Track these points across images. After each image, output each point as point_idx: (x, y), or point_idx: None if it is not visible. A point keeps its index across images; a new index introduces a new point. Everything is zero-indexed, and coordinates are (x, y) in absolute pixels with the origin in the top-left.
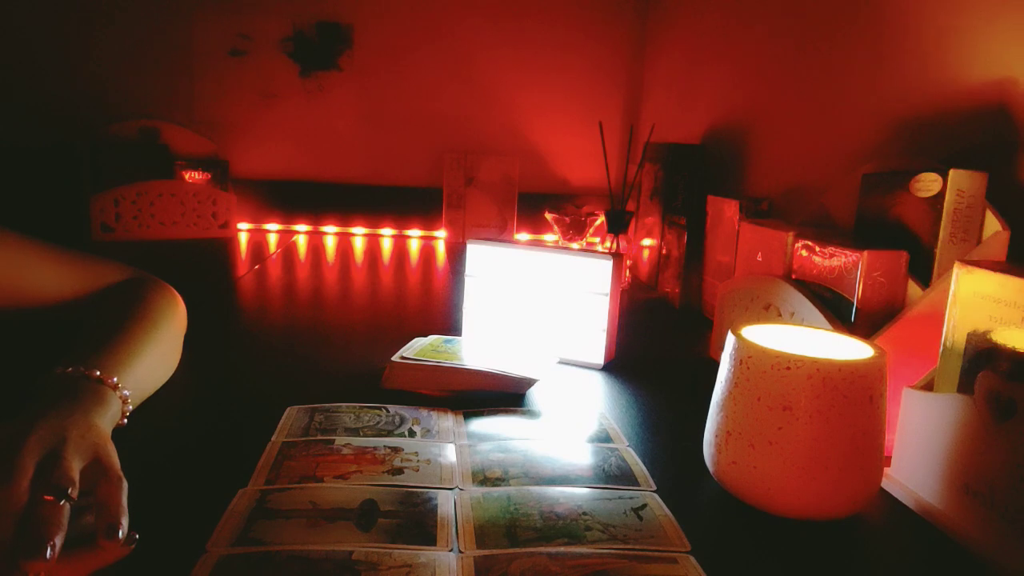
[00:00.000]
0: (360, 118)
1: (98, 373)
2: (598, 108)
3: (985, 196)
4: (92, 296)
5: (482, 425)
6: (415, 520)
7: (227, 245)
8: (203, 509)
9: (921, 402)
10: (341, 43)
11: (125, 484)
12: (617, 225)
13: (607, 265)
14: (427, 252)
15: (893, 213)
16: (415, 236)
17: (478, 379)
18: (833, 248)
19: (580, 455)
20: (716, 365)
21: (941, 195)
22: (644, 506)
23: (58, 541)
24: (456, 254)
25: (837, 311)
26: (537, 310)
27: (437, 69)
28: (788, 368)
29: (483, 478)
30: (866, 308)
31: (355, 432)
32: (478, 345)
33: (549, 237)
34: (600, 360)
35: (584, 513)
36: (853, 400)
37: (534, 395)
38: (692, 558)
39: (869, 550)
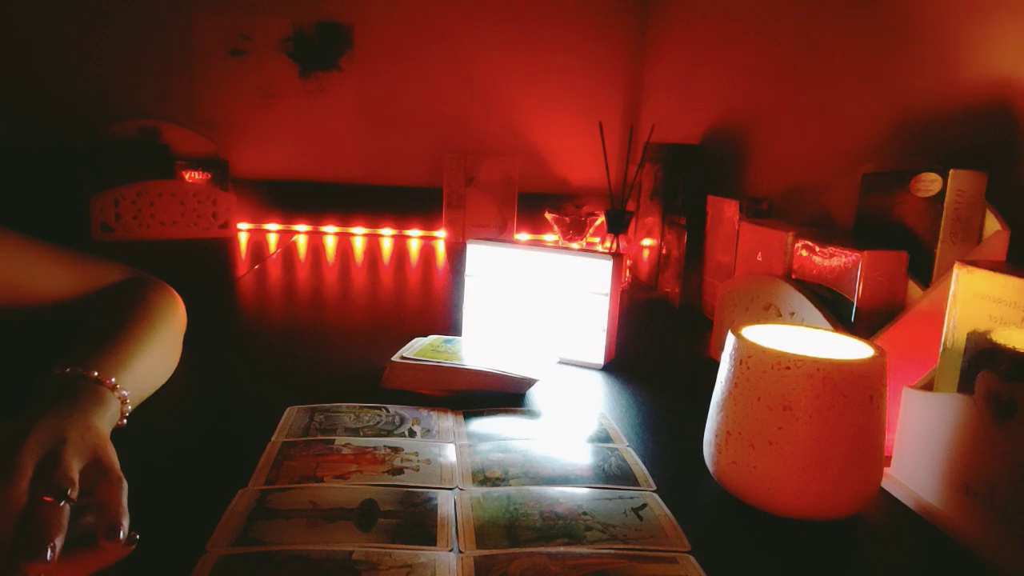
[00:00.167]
0: (360, 118)
1: (96, 374)
2: (598, 108)
3: (985, 196)
4: (91, 296)
5: (482, 425)
6: (415, 520)
7: (227, 245)
8: (203, 509)
9: (921, 402)
10: (341, 43)
11: (125, 484)
12: (617, 225)
13: (607, 265)
14: (427, 252)
15: (893, 213)
16: (415, 236)
17: (478, 379)
18: (833, 248)
19: (580, 455)
20: (716, 365)
21: (941, 195)
22: (644, 506)
23: (58, 542)
24: (456, 254)
25: (837, 311)
26: (537, 310)
27: (437, 69)
28: (788, 368)
29: (483, 478)
30: (866, 308)
31: (355, 432)
32: (478, 345)
33: (549, 237)
34: (600, 360)
35: (584, 513)
36: (853, 400)
37: (534, 395)
38: (692, 558)
39: (869, 550)
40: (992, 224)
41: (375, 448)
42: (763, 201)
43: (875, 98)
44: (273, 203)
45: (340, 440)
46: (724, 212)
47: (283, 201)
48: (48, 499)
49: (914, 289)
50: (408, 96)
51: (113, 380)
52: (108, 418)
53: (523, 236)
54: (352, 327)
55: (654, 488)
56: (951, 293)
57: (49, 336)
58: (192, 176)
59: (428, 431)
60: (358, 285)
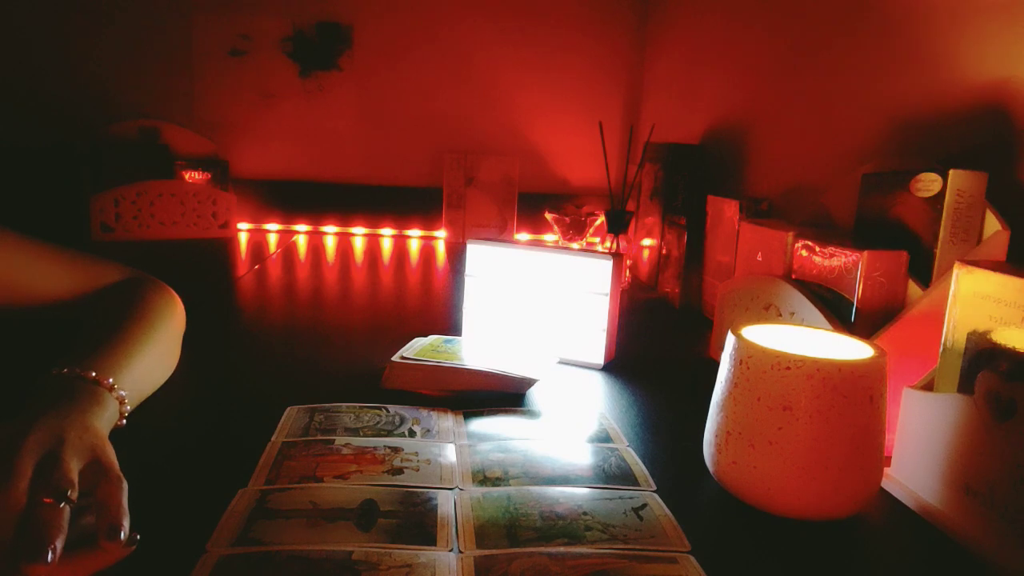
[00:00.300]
0: (360, 118)
1: (94, 374)
2: (598, 108)
3: (985, 196)
4: (90, 296)
5: (482, 425)
6: (415, 520)
7: (227, 245)
8: (203, 509)
9: (921, 402)
10: (341, 43)
11: (125, 484)
12: (617, 225)
13: (607, 265)
14: (427, 252)
15: (893, 213)
16: (415, 236)
17: (478, 379)
18: (833, 248)
19: (580, 455)
20: (716, 365)
21: (941, 195)
22: (644, 506)
23: (59, 544)
24: (456, 254)
25: (837, 311)
26: (537, 310)
27: (437, 69)
28: (788, 368)
29: (483, 478)
30: (866, 308)
31: (355, 432)
32: (478, 345)
33: (549, 237)
34: (600, 360)
35: (584, 513)
36: (853, 400)
37: (534, 395)
38: (692, 558)
39: (869, 550)
40: (992, 224)
41: (375, 448)
42: (763, 201)
43: (875, 98)
44: (273, 203)
45: (340, 440)
46: (724, 212)
47: (283, 201)
48: (48, 500)
49: (914, 289)
50: (408, 96)
51: (111, 380)
52: (106, 418)
53: (523, 236)
54: (352, 327)
55: (654, 488)
56: (951, 293)
57: (49, 336)
58: (192, 176)
59: (428, 431)
60: (358, 285)
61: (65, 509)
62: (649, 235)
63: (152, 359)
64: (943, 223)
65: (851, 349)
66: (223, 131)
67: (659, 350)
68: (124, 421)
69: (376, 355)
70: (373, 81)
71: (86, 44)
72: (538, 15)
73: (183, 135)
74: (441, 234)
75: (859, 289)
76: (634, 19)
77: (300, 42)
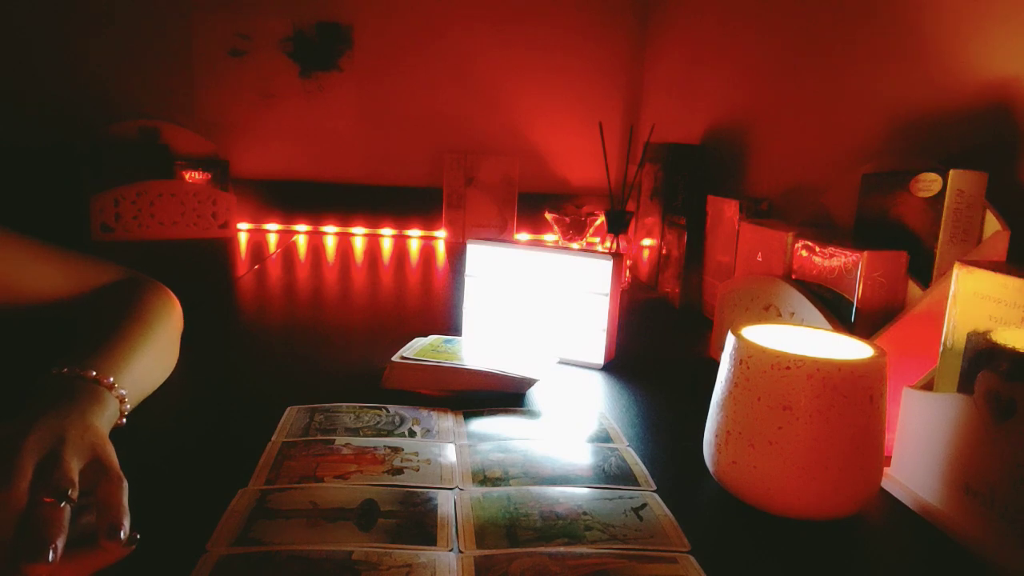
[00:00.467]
0: (360, 118)
1: (94, 373)
2: (598, 108)
3: (985, 196)
4: (87, 296)
5: (482, 425)
6: (415, 520)
7: (227, 245)
8: (203, 509)
9: (921, 402)
10: (341, 43)
11: (125, 484)
12: (617, 225)
13: (607, 265)
14: (427, 252)
15: (893, 213)
16: (415, 236)
17: (478, 379)
18: (833, 248)
19: (580, 455)
20: (716, 365)
21: (941, 195)
22: (644, 506)
23: (60, 543)
24: (456, 254)
25: (837, 311)
26: (537, 310)
27: (437, 69)
28: (788, 368)
29: (483, 478)
30: (866, 308)
31: (355, 432)
32: (478, 345)
33: (549, 237)
34: (600, 360)
35: (584, 513)
36: (853, 400)
37: (534, 395)
38: (692, 558)
39: (869, 550)
40: (992, 224)
41: (375, 448)
42: (763, 201)
43: (875, 98)
44: (273, 203)
45: (340, 440)
46: (724, 212)
47: (283, 201)
48: (48, 500)
49: (914, 289)
50: (408, 96)
51: (111, 379)
52: (107, 417)
53: (523, 236)
54: (352, 327)
55: (654, 488)
56: (951, 293)
57: (48, 336)
58: (192, 176)
59: (428, 431)
60: (358, 285)
61: (66, 508)
62: (649, 235)
63: (151, 358)
64: (943, 223)
65: (851, 349)
66: (223, 131)
67: (659, 350)
68: (124, 420)
69: (376, 355)
70: (373, 81)
71: (86, 44)
72: (538, 15)
73: (183, 135)
74: (441, 234)
75: (859, 289)
76: (634, 20)
77: (300, 42)
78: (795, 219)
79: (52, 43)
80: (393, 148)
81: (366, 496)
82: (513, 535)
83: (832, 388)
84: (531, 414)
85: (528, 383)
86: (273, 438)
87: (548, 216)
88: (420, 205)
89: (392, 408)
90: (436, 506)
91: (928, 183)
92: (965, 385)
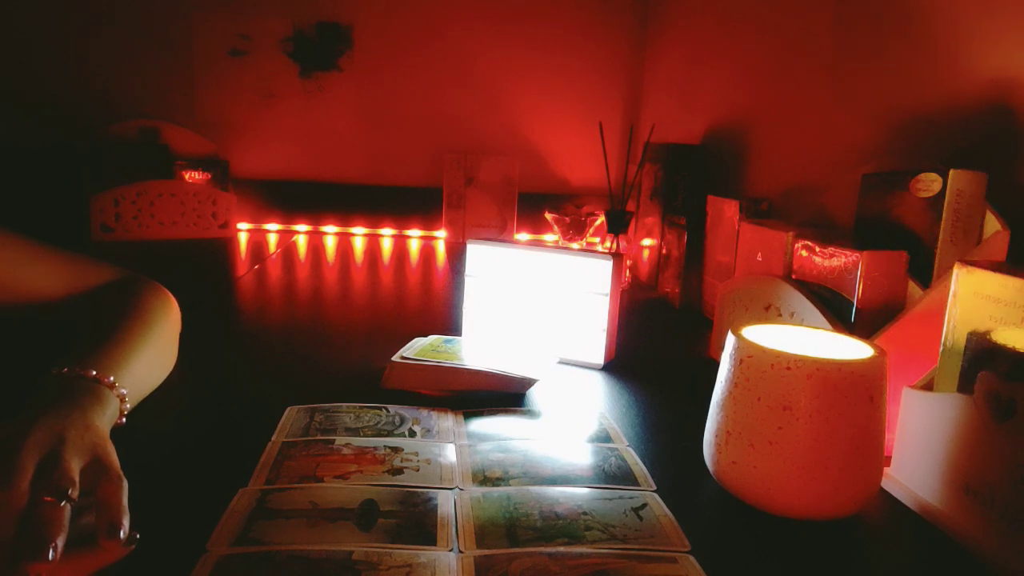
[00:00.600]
0: (360, 118)
1: (94, 373)
2: (598, 108)
3: (985, 196)
4: (84, 296)
5: (482, 425)
6: (415, 520)
7: (227, 245)
8: (203, 509)
9: (921, 402)
10: (341, 43)
11: (125, 484)
12: (617, 225)
13: (607, 265)
14: (427, 252)
15: (893, 213)
16: (415, 236)
17: (478, 379)
18: (833, 248)
19: (580, 455)
20: (716, 365)
21: (941, 195)
22: (644, 506)
23: (60, 542)
24: (456, 254)
25: (837, 311)
26: (537, 310)
27: (437, 69)
28: (788, 368)
29: (483, 478)
30: (866, 308)
31: (355, 432)
32: (478, 345)
33: (549, 237)
34: (600, 360)
35: (584, 513)
36: (853, 400)
37: (534, 395)
38: (692, 558)
39: (869, 550)
40: (992, 224)
41: (375, 448)
42: (763, 201)
43: (875, 98)
44: (273, 203)
45: (340, 440)
46: (724, 212)
47: (283, 201)
48: (49, 499)
49: (914, 289)
50: (408, 96)
51: (112, 379)
52: (107, 417)
53: (523, 236)
54: (352, 327)
55: (654, 488)
56: (951, 293)
57: (47, 336)
58: (192, 176)
59: (428, 431)
60: (358, 285)
61: (66, 507)
62: (649, 235)
63: (151, 357)
64: (943, 223)
65: (851, 349)
66: (223, 131)
67: (659, 350)
68: (124, 419)
69: (376, 355)
70: (373, 81)
71: (86, 44)
72: (538, 15)
73: (183, 135)
74: (441, 234)
75: (859, 289)
76: (634, 20)
77: (300, 42)
78: (795, 219)
79: (52, 43)
80: (393, 148)
81: (366, 496)
82: (513, 535)
83: (832, 388)
84: (531, 414)
85: (528, 383)
86: (273, 438)
87: (548, 216)
88: (420, 205)
89: (392, 408)
90: (436, 506)
91: (928, 183)
92: (965, 385)
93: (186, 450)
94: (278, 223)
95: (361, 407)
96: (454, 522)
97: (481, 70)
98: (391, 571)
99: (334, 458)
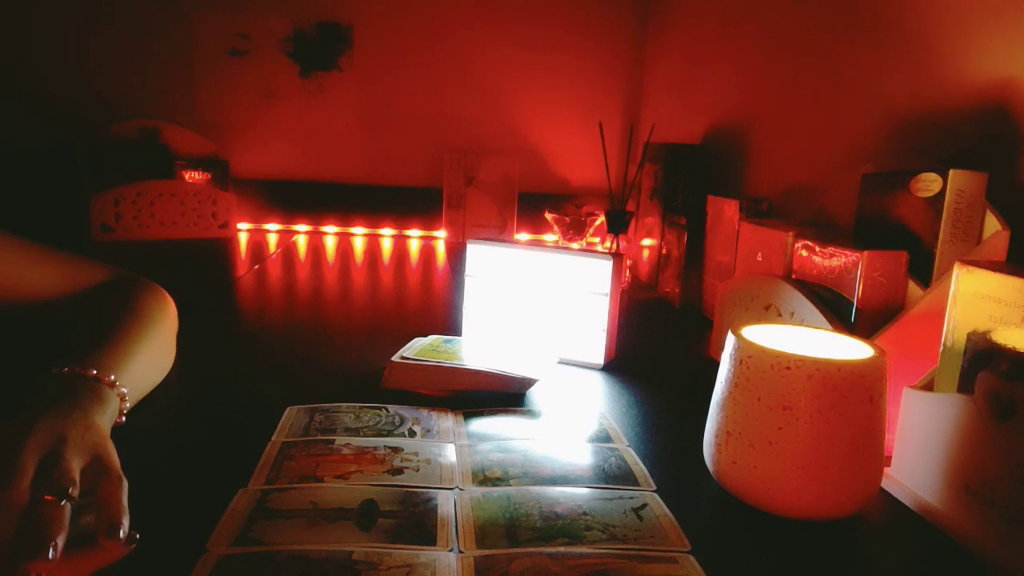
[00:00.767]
0: (360, 118)
1: (95, 372)
2: (598, 108)
3: (985, 196)
4: (80, 295)
5: (482, 425)
6: (415, 520)
7: (227, 245)
8: (203, 509)
9: (921, 402)
10: (341, 43)
11: (125, 483)
12: (617, 225)
13: (607, 265)
14: (427, 252)
15: (893, 213)
16: (415, 236)
17: (478, 379)
18: (833, 248)
19: (580, 455)
20: (716, 365)
21: (941, 195)
22: (644, 506)
23: (60, 541)
24: (456, 254)
25: (837, 311)
26: (537, 310)
27: (437, 69)
28: (788, 368)
29: (483, 478)
30: (866, 308)
31: (355, 432)
32: (478, 345)
33: (549, 237)
34: (600, 360)
35: (584, 513)
36: (853, 400)
37: (534, 395)
38: (692, 558)
39: (869, 550)
40: (992, 224)
41: (375, 448)
42: (763, 201)
43: (875, 98)
44: (273, 203)
45: (340, 440)
46: (724, 212)
47: (283, 201)
48: (49, 498)
49: (914, 289)
50: (408, 96)
51: (112, 378)
52: (108, 416)
53: (523, 236)
54: (352, 327)
55: (654, 488)
56: (951, 293)
57: (47, 336)
58: (192, 176)
59: (428, 431)
60: (358, 285)
61: (66, 507)
62: (649, 235)
63: (150, 356)
64: (943, 223)
65: (851, 349)
66: (223, 131)
67: (659, 350)
68: (124, 419)
69: (376, 355)
70: (373, 81)
71: (86, 44)
72: (538, 15)
73: (183, 135)
74: (441, 234)
75: (859, 289)
76: (634, 19)
77: (300, 42)
78: (795, 219)
79: (52, 43)
80: (393, 148)
81: (366, 496)
82: (513, 535)
83: (832, 388)
84: (531, 414)
85: (528, 383)
86: (273, 438)
87: (548, 216)
88: (420, 205)
89: (392, 408)
90: (436, 506)
91: (928, 183)
92: (965, 385)
93: (186, 450)
94: (278, 223)
95: (361, 407)
96: (454, 522)
97: (481, 70)
98: (391, 571)
99: (334, 458)
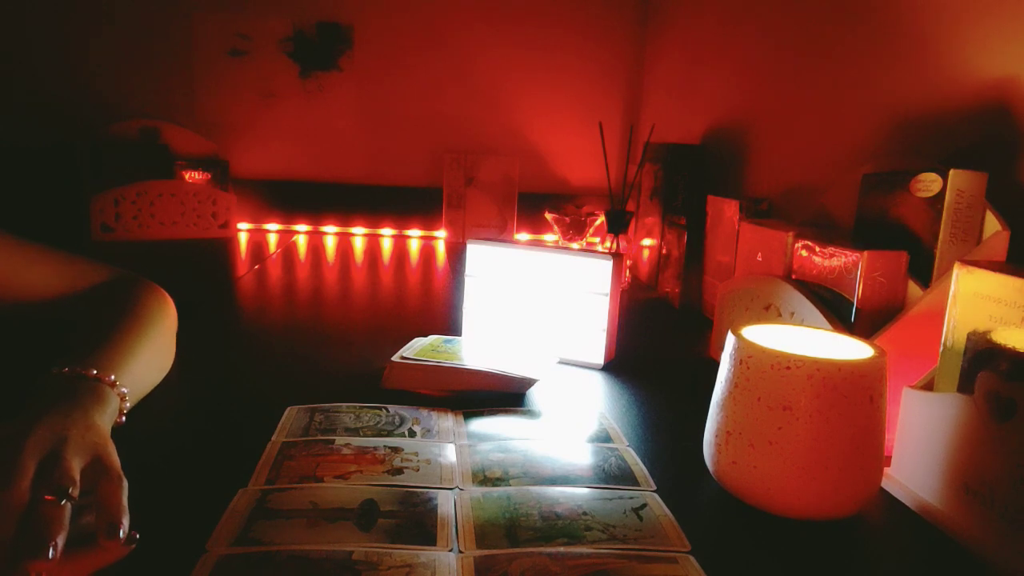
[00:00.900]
0: (360, 118)
1: (95, 372)
2: (598, 108)
3: (985, 196)
4: (81, 295)
5: (482, 425)
6: (415, 520)
7: (227, 245)
8: (203, 509)
9: (921, 402)
10: (341, 43)
11: (125, 483)
12: (617, 225)
13: (607, 265)
14: (427, 252)
15: (893, 213)
16: (415, 236)
17: (478, 379)
18: (833, 248)
19: (580, 455)
20: (716, 365)
21: (941, 195)
22: (644, 506)
23: (60, 541)
24: (456, 254)
25: (837, 311)
26: (537, 310)
27: (437, 69)
28: (788, 368)
29: (483, 478)
30: (866, 308)
31: (355, 432)
32: (478, 345)
33: (549, 237)
34: (600, 360)
35: (584, 513)
36: (853, 400)
37: (534, 395)
38: (692, 558)
39: (869, 550)
40: (992, 224)
41: (375, 448)
42: (763, 201)
43: (875, 98)
44: (273, 203)
45: (340, 440)
46: (724, 212)
47: (283, 201)
48: (49, 498)
49: (914, 289)
50: (408, 96)
51: (112, 377)
52: (108, 416)
53: (523, 236)
54: (352, 327)
55: (654, 488)
56: (951, 293)
57: (46, 336)
58: (192, 176)
59: (428, 431)
60: (358, 285)
61: (66, 506)
62: (649, 235)
63: (150, 356)
64: (943, 223)
65: (851, 349)
66: (223, 131)
67: (659, 350)
68: (124, 418)
69: (376, 355)
70: (373, 81)
71: (86, 44)
72: (538, 15)
73: (183, 135)
74: (441, 234)
75: (859, 289)
76: (634, 19)
77: (300, 42)
78: (795, 219)
79: (52, 43)
80: (393, 148)
81: (366, 496)
82: (513, 535)
83: (832, 388)
84: (531, 414)
85: (528, 383)
86: (273, 438)
87: (548, 216)
88: (420, 205)
89: (392, 408)
90: (436, 506)
91: (928, 183)
92: (965, 385)
93: (186, 450)
94: (278, 223)
95: (361, 407)
96: (454, 522)
97: (481, 70)
98: (391, 571)
99: (334, 458)
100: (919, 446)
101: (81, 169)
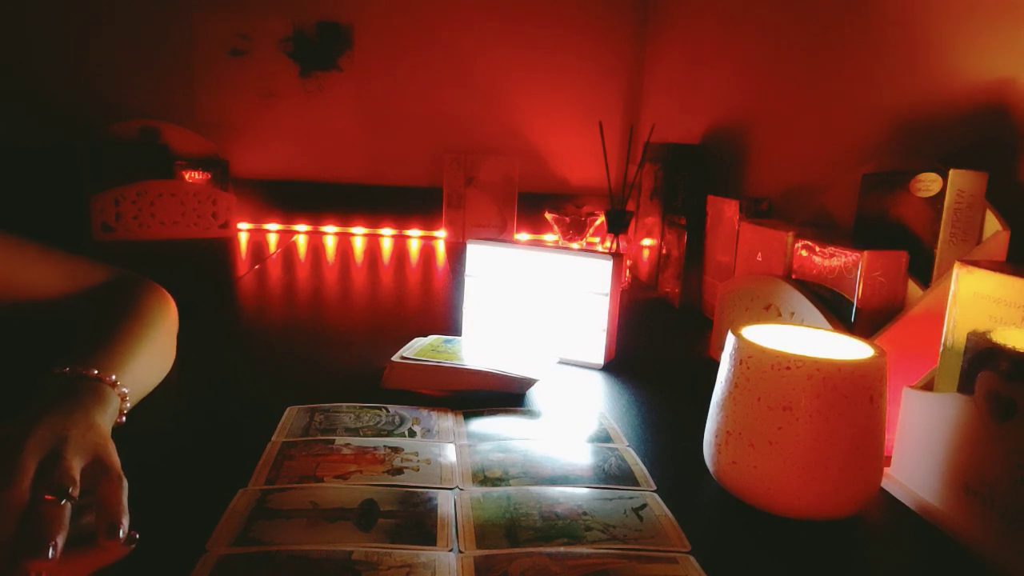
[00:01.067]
0: (360, 118)
1: (96, 371)
2: (598, 108)
3: (985, 196)
4: (81, 295)
5: (482, 425)
6: (415, 520)
7: (227, 245)
8: (203, 509)
9: (921, 402)
10: (341, 43)
11: (125, 483)
12: (617, 225)
13: (607, 265)
14: (427, 252)
15: (893, 213)
16: (415, 236)
17: (478, 379)
18: (833, 248)
19: (580, 455)
20: (716, 365)
21: (941, 195)
22: (644, 506)
23: (60, 541)
24: (456, 254)
25: (837, 311)
26: (537, 310)
27: (437, 69)
28: (788, 368)
29: (483, 478)
30: (866, 308)
31: (355, 432)
32: (478, 345)
33: (549, 237)
34: (600, 360)
35: (584, 513)
36: (853, 400)
37: (534, 395)
38: (692, 558)
39: (869, 550)
40: (992, 224)
41: (375, 448)
42: (763, 201)
43: (875, 98)
44: (273, 203)
45: (340, 440)
46: (724, 212)
47: (283, 201)
48: (50, 498)
49: (914, 289)
50: (408, 96)
51: (113, 377)
52: (109, 416)
53: (523, 236)
54: (352, 327)
55: (654, 488)
56: (951, 293)
57: (47, 336)
58: (192, 176)
59: (428, 431)
60: (358, 285)
61: (66, 506)
62: (649, 235)
63: (150, 356)
64: (943, 223)
65: (851, 349)
66: (223, 131)
67: (659, 350)
68: (124, 418)
69: (376, 355)
70: (373, 81)
71: (86, 44)
72: (538, 15)
73: (183, 135)
74: (441, 234)
75: (859, 289)
76: (634, 19)
77: (300, 42)
78: (795, 219)
79: (52, 43)
80: (393, 148)
81: (366, 496)
82: (513, 535)
83: (832, 388)
84: (531, 414)
85: (528, 383)
86: (273, 438)
87: (548, 216)
88: (420, 205)
89: (392, 408)
90: (436, 506)
91: (928, 183)
92: (965, 385)
93: (186, 450)
94: (278, 223)
95: (361, 407)
96: (454, 522)
97: (481, 70)
98: (391, 571)
99: (334, 458)
100: (919, 446)
101: (81, 169)
